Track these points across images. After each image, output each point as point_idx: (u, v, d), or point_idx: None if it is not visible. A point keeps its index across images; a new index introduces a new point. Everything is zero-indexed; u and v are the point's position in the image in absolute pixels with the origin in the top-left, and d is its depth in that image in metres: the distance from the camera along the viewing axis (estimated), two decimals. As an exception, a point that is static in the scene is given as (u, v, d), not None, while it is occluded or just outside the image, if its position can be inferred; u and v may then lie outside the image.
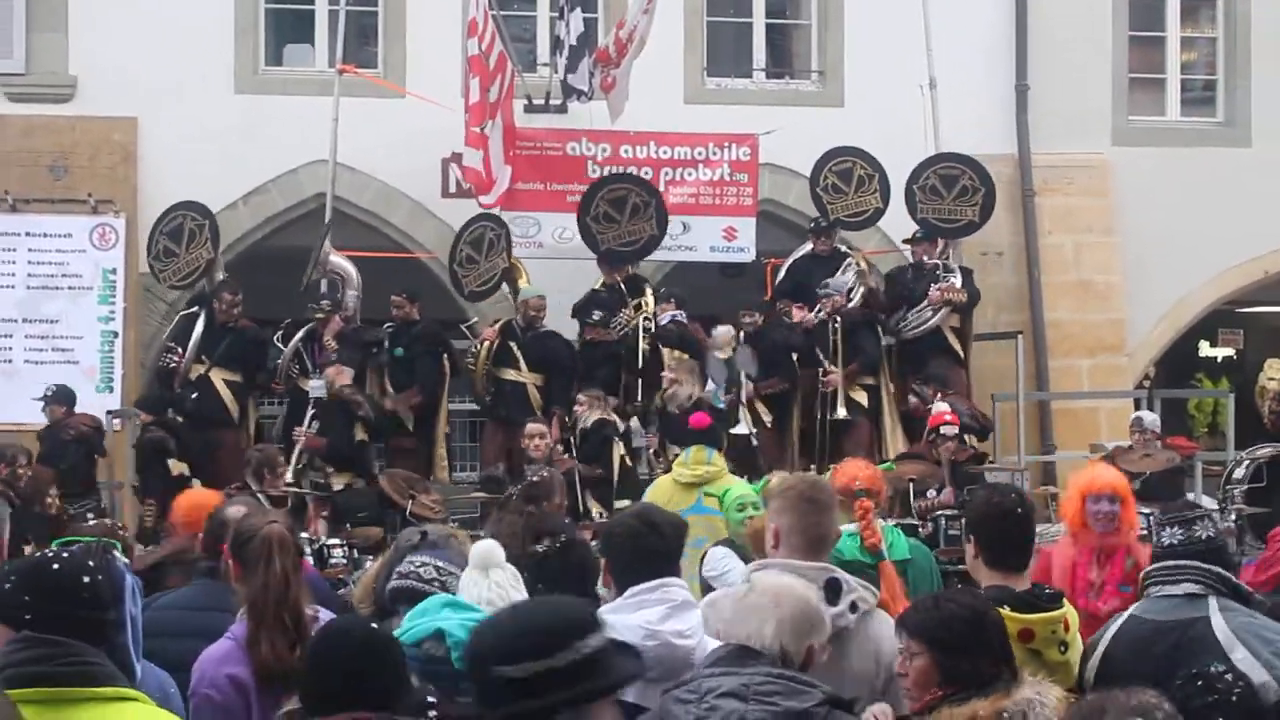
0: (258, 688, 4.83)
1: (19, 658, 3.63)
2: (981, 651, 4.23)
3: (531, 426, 12.23)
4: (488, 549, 4.99)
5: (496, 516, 7.44)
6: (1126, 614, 5.11)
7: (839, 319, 14.17)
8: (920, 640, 4.30)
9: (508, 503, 7.69)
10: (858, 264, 14.95)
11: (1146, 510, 10.55)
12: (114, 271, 15.50)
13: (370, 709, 4.02)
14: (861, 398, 14.25)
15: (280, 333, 14.17)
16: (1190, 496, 13.25)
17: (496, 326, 14.37)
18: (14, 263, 15.49)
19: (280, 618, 4.88)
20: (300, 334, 13.96)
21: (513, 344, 14.15)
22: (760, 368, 13.90)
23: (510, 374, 14.10)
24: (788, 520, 5.00)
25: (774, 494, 5.24)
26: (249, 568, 5.05)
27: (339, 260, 14.75)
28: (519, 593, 4.90)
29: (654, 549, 4.65)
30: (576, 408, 13.38)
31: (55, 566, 3.80)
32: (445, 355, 14.41)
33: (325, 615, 5.23)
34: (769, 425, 13.75)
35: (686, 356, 13.75)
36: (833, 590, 4.77)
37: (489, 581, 4.87)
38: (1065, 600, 5.08)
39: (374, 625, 4.39)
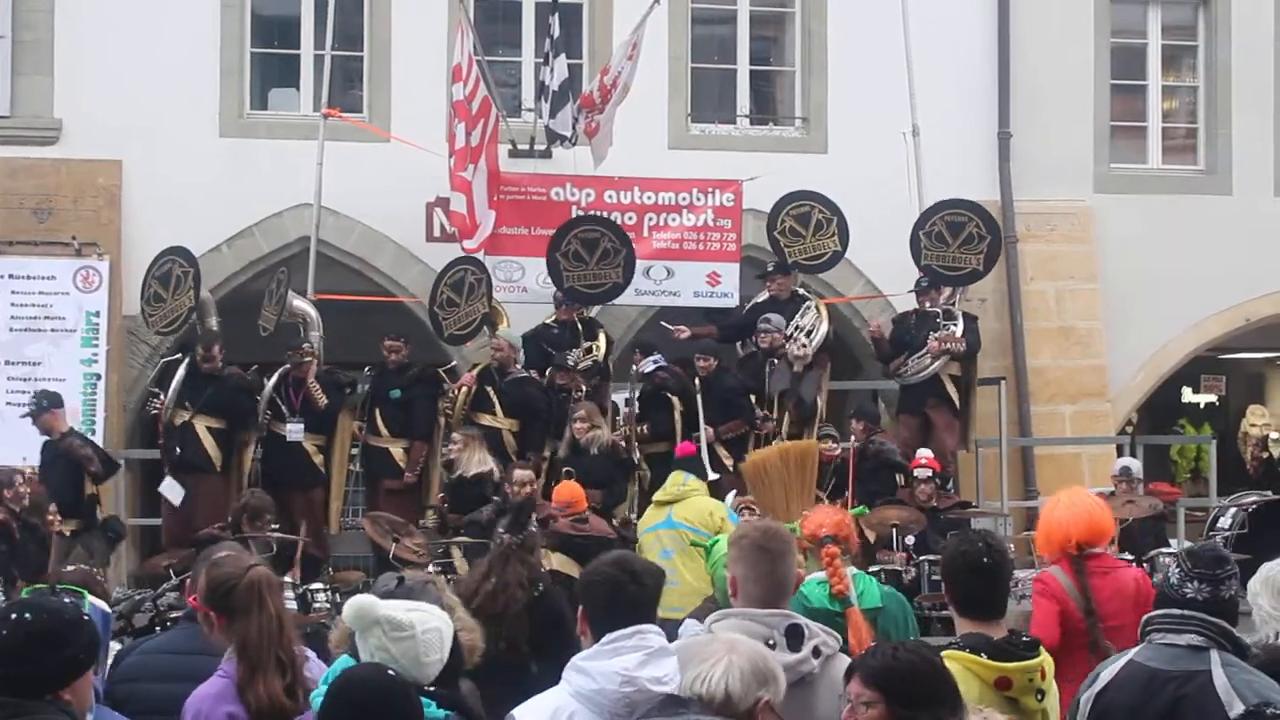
0: None
1: None
2: (938, 702, 4.18)
3: (519, 473, 12.21)
4: (358, 608, 4.71)
5: (501, 566, 7.43)
6: (1126, 658, 5.07)
7: (774, 360, 14.10)
8: (875, 689, 4.20)
9: (511, 553, 7.69)
10: (816, 308, 14.92)
11: (1129, 557, 10.62)
12: (97, 314, 15.49)
13: None
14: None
15: (249, 377, 14.14)
16: (1173, 544, 13.29)
17: (474, 372, 14.38)
18: (-3, 305, 15.48)
19: (276, 658, 4.85)
20: (274, 378, 13.93)
21: (489, 389, 14.13)
22: (717, 411, 13.87)
23: (486, 419, 14.04)
24: (743, 569, 5.02)
25: (731, 542, 5.25)
26: (237, 613, 5.00)
27: (300, 304, 14.71)
28: (404, 644, 4.70)
29: (633, 598, 4.64)
30: (452, 447, 13.32)
31: (4, 632, 3.84)
32: (441, 398, 14.44)
33: (312, 655, 5.21)
34: (730, 469, 13.69)
35: (592, 402, 13.83)
36: (795, 637, 4.77)
37: (367, 646, 4.69)
38: (1042, 649, 5.08)
39: (392, 673, 4.36)
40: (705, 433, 13.67)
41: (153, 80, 15.94)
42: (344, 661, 4.78)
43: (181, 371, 13.79)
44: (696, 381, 13.91)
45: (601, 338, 14.83)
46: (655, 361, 14.12)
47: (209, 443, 13.71)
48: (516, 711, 4.48)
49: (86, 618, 4.45)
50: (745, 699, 4.18)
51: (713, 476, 13.18)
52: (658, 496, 11.90)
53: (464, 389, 14.20)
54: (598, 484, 12.94)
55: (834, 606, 6.04)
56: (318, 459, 13.95)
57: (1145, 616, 5.18)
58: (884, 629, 6.51)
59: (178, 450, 13.61)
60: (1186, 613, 4.96)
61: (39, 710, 3.79)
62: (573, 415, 13.59)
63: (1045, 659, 5.02)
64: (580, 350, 14.55)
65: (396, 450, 14.31)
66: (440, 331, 14.91)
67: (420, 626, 4.77)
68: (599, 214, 15.41)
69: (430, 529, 13.26)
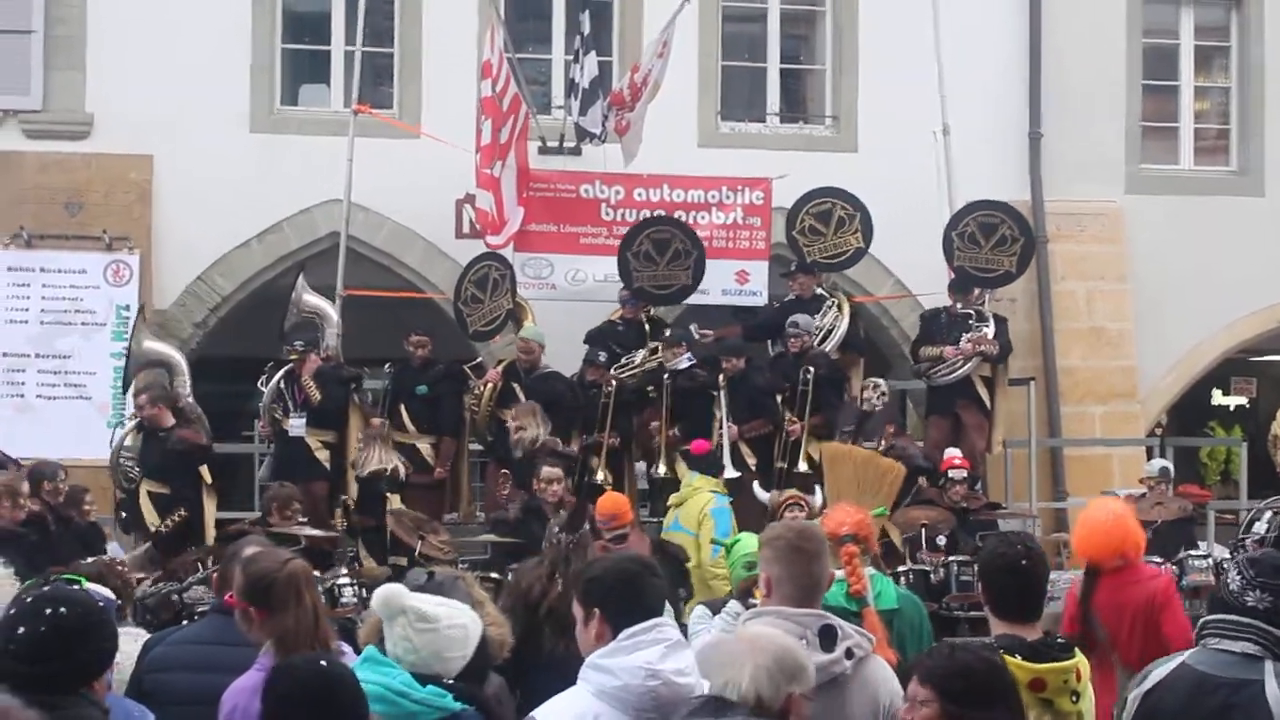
0: None
1: None
2: (994, 704, 4.19)
3: (548, 471, 12.16)
4: (385, 596, 4.85)
5: (564, 567, 7.41)
6: (1179, 660, 5.01)
7: (811, 368, 13.97)
8: (932, 688, 4.25)
9: (570, 553, 7.67)
10: (837, 306, 14.87)
11: (1157, 560, 10.55)
12: (127, 308, 15.52)
13: None
14: (818, 453, 13.81)
15: (264, 375, 14.14)
16: (1202, 546, 13.20)
17: (500, 368, 14.37)
18: (28, 298, 15.54)
19: (313, 651, 4.85)
20: (280, 374, 13.92)
21: (515, 385, 14.12)
22: (743, 410, 13.82)
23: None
24: (778, 569, 5.02)
25: (764, 542, 5.25)
26: (275, 607, 5.01)
27: (314, 300, 14.69)
28: (426, 637, 4.79)
29: (656, 590, 4.63)
30: (359, 447, 13.25)
31: (21, 630, 3.81)
32: (466, 394, 14.44)
33: (348, 649, 5.22)
34: (753, 469, 13.65)
35: (532, 401, 13.63)
36: (828, 637, 4.76)
37: (392, 635, 4.79)
38: (1077, 650, 5.06)
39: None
40: (729, 430, 13.65)
41: (184, 76, 15.98)
42: (368, 652, 4.79)
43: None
44: (720, 379, 13.85)
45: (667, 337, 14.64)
46: (689, 358, 14.05)
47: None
48: (537, 713, 4.45)
49: (103, 605, 4.47)
50: (776, 698, 4.18)
51: (732, 474, 13.17)
52: (671, 499, 12.14)
53: (490, 385, 14.19)
54: (522, 485, 12.85)
55: (850, 605, 6.03)
56: (321, 454, 13.90)
57: (1201, 620, 5.11)
58: (899, 631, 6.51)
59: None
60: (1244, 620, 4.87)
61: (73, 705, 3.77)
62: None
63: (1080, 660, 5.00)
64: (647, 350, 14.46)
65: (424, 446, 14.30)
66: (465, 328, 14.90)
67: (446, 621, 4.79)
68: (641, 213, 15.36)
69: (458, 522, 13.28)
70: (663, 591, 4.72)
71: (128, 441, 13.40)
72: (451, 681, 4.76)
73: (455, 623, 4.87)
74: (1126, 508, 7.48)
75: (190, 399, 13.84)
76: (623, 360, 14.38)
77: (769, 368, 14.47)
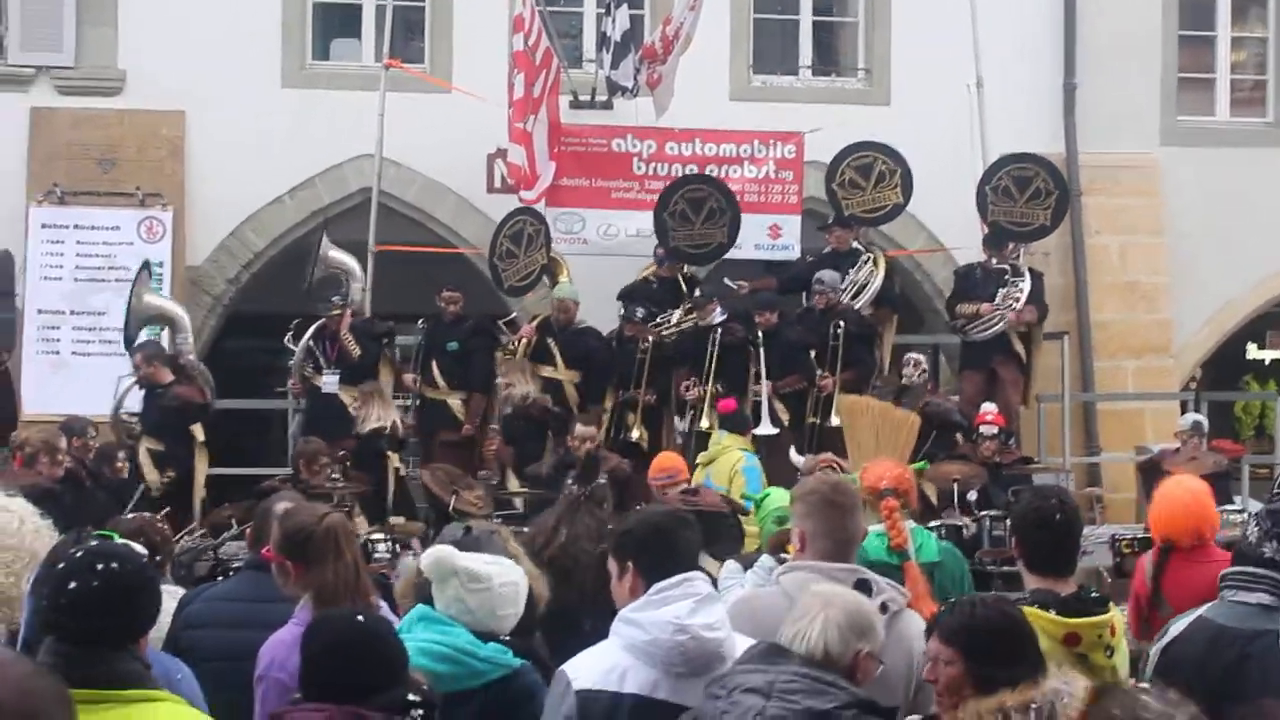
0: None
1: (46, 661, 3.67)
2: (1018, 660, 4.17)
3: (580, 429, 12.20)
4: (436, 558, 4.89)
5: (570, 518, 7.44)
6: (1196, 614, 5.04)
7: (841, 323, 13.92)
8: (954, 647, 4.24)
9: (580, 504, 7.69)
10: (873, 262, 14.80)
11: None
12: (161, 264, 15.58)
13: (345, 701, 4.07)
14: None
15: (291, 333, 14.19)
16: (1237, 501, 13.16)
17: (534, 324, 14.37)
18: (62, 255, 15.60)
19: (352, 606, 4.87)
20: (310, 331, 13.96)
21: (550, 341, 14.14)
22: (777, 366, 13.78)
23: (547, 371, 14.05)
24: (812, 524, 5.02)
25: (798, 497, 5.26)
26: (313, 561, 5.02)
27: (339, 255, 14.69)
28: (480, 596, 4.82)
29: (689, 544, 4.66)
30: (355, 408, 13.24)
31: (73, 585, 3.82)
32: (498, 350, 14.46)
33: (385, 606, 5.25)
34: (786, 424, 13.65)
35: (523, 359, 13.80)
36: (862, 591, 4.76)
37: (444, 596, 4.83)
38: (1111, 604, 5.05)
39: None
40: (765, 386, 13.63)
41: (216, 31, 15.98)
42: (420, 611, 4.82)
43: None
44: (757, 334, 13.83)
45: (699, 294, 14.57)
46: (721, 312, 14.02)
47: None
48: (566, 667, 4.48)
49: (148, 562, 4.49)
50: (845, 654, 4.20)
51: (770, 430, 13.17)
52: (700, 458, 12.13)
53: (524, 340, 14.20)
54: (509, 440, 12.92)
55: (891, 559, 6.03)
56: (354, 410, 13.97)
57: (1221, 572, 5.13)
58: (941, 584, 6.50)
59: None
60: (1260, 571, 4.90)
61: (120, 660, 3.79)
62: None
63: (1115, 615, 4.98)
64: (683, 309, 14.40)
65: (454, 402, 14.32)
66: (500, 283, 14.90)
67: (498, 579, 4.83)
68: (670, 166, 15.34)
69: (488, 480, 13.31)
70: (696, 545, 4.74)
71: (128, 401, 13.41)
72: (507, 638, 4.79)
73: (506, 580, 4.91)
74: (1205, 486, 7.39)
75: (192, 355, 13.89)
76: (658, 319, 14.35)
77: (798, 321, 14.42)
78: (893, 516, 6.24)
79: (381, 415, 13.05)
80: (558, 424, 13.34)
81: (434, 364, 14.34)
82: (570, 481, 9.81)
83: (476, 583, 4.80)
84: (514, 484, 13.04)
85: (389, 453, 13.01)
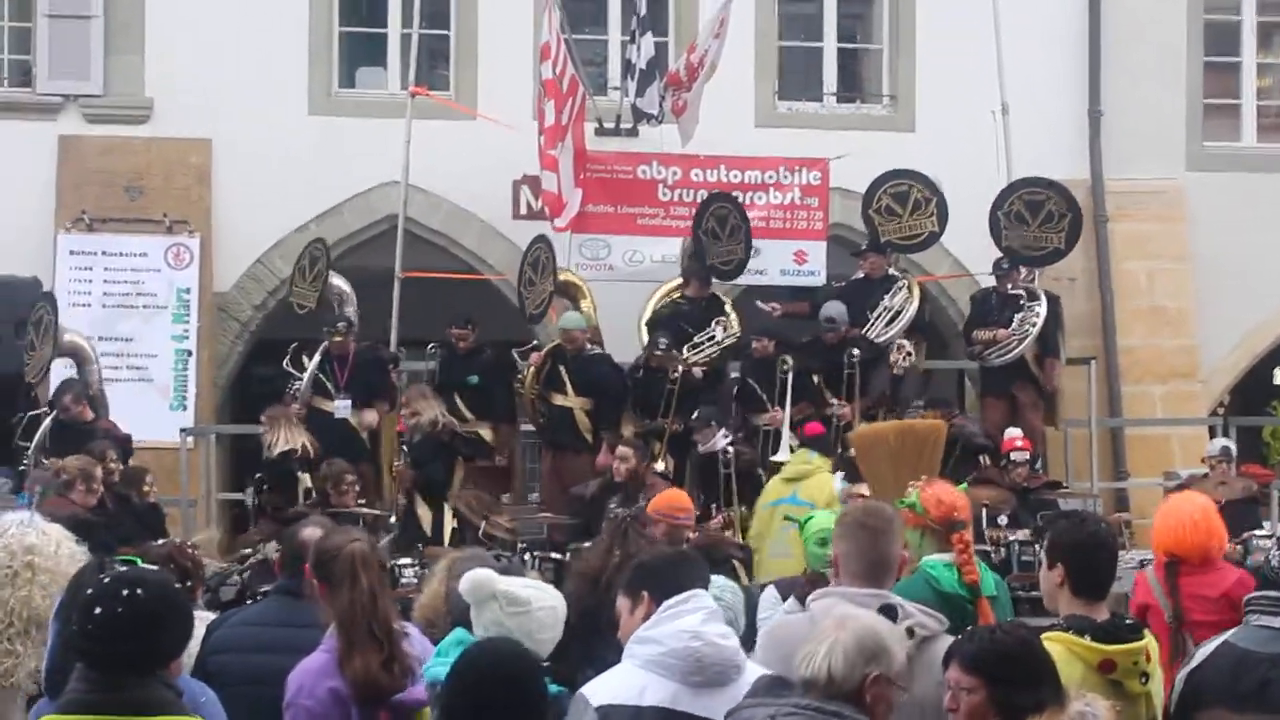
0: (357, 701, 4.88)
1: (77, 688, 3.68)
2: (1039, 684, 4.15)
3: (622, 449, 12.20)
4: (476, 582, 4.91)
5: (620, 540, 7.45)
6: (1221, 639, 5.03)
7: (855, 351, 13.84)
8: (976, 675, 4.22)
9: (627, 526, 7.69)
10: (909, 288, 14.77)
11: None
12: (188, 291, 15.67)
13: None
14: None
15: (288, 357, 14.19)
16: (1266, 526, 13.10)
17: (545, 350, 14.34)
18: (90, 281, 15.69)
19: (371, 633, 4.90)
20: (317, 357, 13.95)
21: (561, 368, 14.07)
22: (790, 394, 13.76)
23: (558, 399, 14.02)
24: (844, 546, 5.01)
25: (836, 522, 5.30)
26: (334, 586, 5.06)
27: (337, 281, 14.77)
28: (519, 620, 4.83)
29: (700, 570, 4.89)
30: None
31: (99, 610, 3.82)
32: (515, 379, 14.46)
33: (413, 630, 5.26)
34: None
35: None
36: (888, 616, 4.73)
37: (481, 619, 4.84)
38: (1146, 631, 5.02)
39: (520, 651, 4.39)
40: (775, 415, 13.66)
41: (242, 59, 16.08)
42: (459, 635, 4.82)
43: (318, 357, 13.89)
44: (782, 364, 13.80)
45: (731, 313, 14.59)
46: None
47: None
48: (584, 689, 4.50)
49: (179, 587, 4.49)
50: (850, 677, 4.11)
51: (786, 457, 13.14)
52: (785, 473, 12.30)
53: (532, 368, 14.15)
54: (414, 465, 12.88)
55: (964, 593, 5.82)
56: (364, 434, 13.96)
57: (1246, 597, 5.12)
58: (1000, 618, 6.42)
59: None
60: None
61: (147, 686, 3.79)
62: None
63: (1150, 642, 4.95)
64: (718, 326, 14.32)
65: (484, 432, 14.26)
66: (523, 311, 14.91)
67: (536, 603, 4.85)
68: (696, 192, 15.36)
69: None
70: (705, 574, 4.88)
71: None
72: (546, 663, 4.80)
73: (545, 604, 4.95)
74: (1210, 502, 7.29)
75: (100, 386, 14.02)
76: (695, 339, 14.24)
77: (801, 350, 14.31)
78: (967, 551, 5.98)
79: (289, 438, 12.99)
80: (467, 447, 13.40)
81: (455, 397, 14.07)
82: (614, 505, 9.82)
83: (516, 606, 4.82)
84: (422, 509, 12.92)
85: (299, 474, 12.96)
